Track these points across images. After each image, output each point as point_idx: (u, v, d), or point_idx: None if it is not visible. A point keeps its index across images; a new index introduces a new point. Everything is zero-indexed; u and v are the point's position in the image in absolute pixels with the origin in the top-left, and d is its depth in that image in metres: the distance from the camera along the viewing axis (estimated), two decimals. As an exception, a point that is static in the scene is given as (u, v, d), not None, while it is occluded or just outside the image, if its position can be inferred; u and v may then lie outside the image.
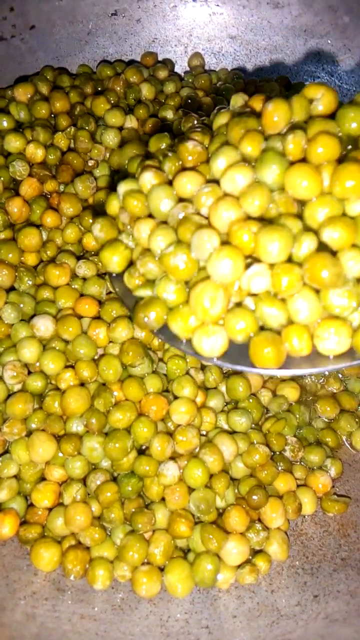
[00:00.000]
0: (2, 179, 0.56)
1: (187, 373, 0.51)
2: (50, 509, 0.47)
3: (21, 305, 0.52)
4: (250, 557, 0.45)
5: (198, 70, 0.74)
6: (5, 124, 0.60)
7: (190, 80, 0.72)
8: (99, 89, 0.67)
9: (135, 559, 0.43)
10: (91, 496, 0.46)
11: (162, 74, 0.71)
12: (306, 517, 0.49)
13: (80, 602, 0.42)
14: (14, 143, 0.58)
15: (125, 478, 0.46)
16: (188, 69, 0.77)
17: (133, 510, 0.45)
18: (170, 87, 0.68)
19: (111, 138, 0.60)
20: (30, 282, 0.53)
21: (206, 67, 0.77)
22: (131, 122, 0.62)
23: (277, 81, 0.75)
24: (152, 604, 0.43)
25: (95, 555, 0.45)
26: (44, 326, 0.49)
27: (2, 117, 0.60)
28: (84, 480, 0.47)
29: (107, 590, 0.44)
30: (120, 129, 0.62)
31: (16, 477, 0.48)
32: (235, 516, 0.44)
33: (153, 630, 0.41)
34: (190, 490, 0.46)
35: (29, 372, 0.50)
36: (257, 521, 0.46)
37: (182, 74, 0.75)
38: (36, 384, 0.49)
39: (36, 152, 0.58)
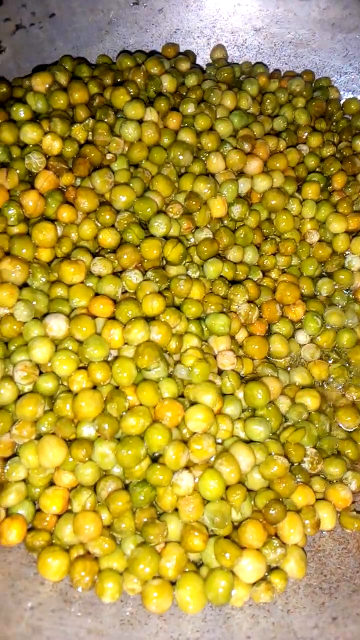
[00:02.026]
0: (17, 171, 0.54)
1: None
2: (58, 515, 0.45)
3: (34, 303, 0.50)
4: (266, 574, 0.43)
5: (220, 63, 0.72)
6: (22, 114, 0.58)
7: (212, 73, 0.70)
8: (119, 80, 0.65)
9: (147, 573, 0.41)
10: (101, 504, 0.45)
11: (184, 66, 0.69)
12: (324, 532, 0.47)
13: (88, 615, 0.41)
14: (30, 134, 0.56)
15: (137, 487, 0.44)
16: (210, 61, 0.74)
17: (145, 520, 0.43)
18: (192, 80, 0.66)
19: (131, 131, 0.58)
20: (43, 279, 0.51)
21: (229, 60, 0.74)
22: (151, 115, 0.60)
23: (302, 76, 0.72)
24: (162, 620, 0.41)
25: (104, 566, 0.43)
26: (56, 326, 0.48)
27: (19, 107, 0.58)
28: (94, 487, 0.45)
29: (116, 603, 0.42)
30: (140, 121, 0.60)
31: (24, 481, 0.47)
32: (251, 531, 0.42)
33: (164, 649, 0.39)
34: (205, 501, 0.44)
35: (40, 373, 0.48)
36: (274, 536, 0.44)
37: (204, 67, 0.73)
38: (47, 385, 0.47)
39: (53, 144, 0.56)
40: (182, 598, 0.42)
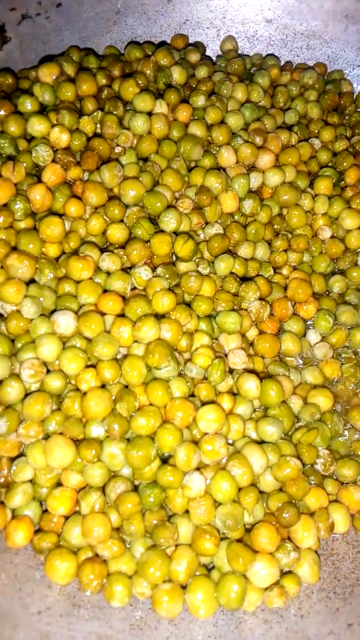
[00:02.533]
0: (24, 164, 0.53)
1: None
2: (66, 517, 0.44)
3: (41, 299, 0.49)
4: (279, 579, 0.42)
5: (231, 55, 0.71)
6: (28, 106, 0.57)
7: (223, 64, 0.68)
8: (127, 71, 0.64)
9: (157, 576, 0.41)
10: (110, 505, 0.44)
11: (194, 57, 0.67)
12: (337, 536, 0.46)
13: (97, 619, 0.40)
14: (37, 126, 0.54)
15: (147, 488, 0.43)
16: (220, 53, 0.73)
17: (155, 522, 0.43)
18: (202, 72, 0.65)
19: (140, 124, 0.57)
20: (51, 275, 0.50)
21: (239, 52, 0.73)
22: (161, 107, 0.59)
23: (315, 68, 0.71)
24: (172, 624, 0.40)
25: (113, 569, 0.42)
26: (64, 323, 0.47)
27: (26, 99, 0.57)
28: (103, 488, 0.44)
29: (125, 607, 0.41)
30: (150, 114, 0.58)
31: (31, 481, 0.46)
32: (265, 535, 0.41)
33: (175, 655, 0.38)
34: (216, 504, 0.43)
35: (48, 371, 0.47)
36: (287, 540, 0.43)
37: (214, 58, 0.72)
38: (55, 383, 0.46)
39: (61, 137, 0.54)
40: (193, 602, 0.41)
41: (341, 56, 0.72)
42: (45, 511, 0.45)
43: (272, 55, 0.72)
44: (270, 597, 0.41)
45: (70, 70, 0.61)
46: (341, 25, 0.71)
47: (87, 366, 0.47)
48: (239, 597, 0.40)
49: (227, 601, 0.40)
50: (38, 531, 0.44)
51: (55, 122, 0.56)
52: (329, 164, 0.64)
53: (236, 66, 0.67)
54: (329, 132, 0.65)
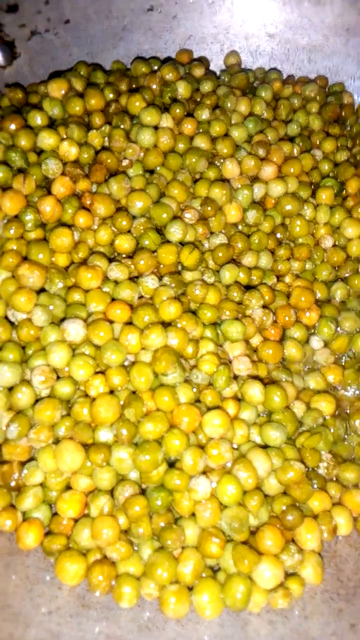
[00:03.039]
0: (34, 176, 0.54)
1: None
2: (75, 520, 0.46)
3: (51, 308, 0.50)
4: (283, 580, 0.43)
5: (234, 69, 0.72)
6: (38, 120, 0.58)
7: (226, 79, 0.70)
8: (134, 86, 0.66)
9: (164, 578, 0.42)
10: (118, 508, 0.45)
11: (198, 72, 0.69)
12: (340, 538, 0.47)
13: (106, 620, 0.41)
14: (47, 140, 0.56)
15: (154, 491, 0.44)
16: (224, 67, 0.75)
17: (162, 525, 0.44)
18: (206, 86, 0.66)
19: (147, 138, 0.58)
20: (60, 284, 0.51)
21: (242, 66, 0.75)
22: (167, 121, 0.60)
23: (316, 81, 0.72)
24: (180, 625, 0.41)
25: (121, 571, 0.43)
26: (74, 331, 0.48)
27: (36, 114, 0.58)
28: (111, 492, 0.45)
29: (134, 608, 0.42)
30: (156, 127, 0.60)
31: (42, 485, 0.47)
32: (269, 537, 0.42)
33: (182, 654, 0.39)
34: (222, 507, 0.44)
35: (58, 377, 0.48)
36: (291, 542, 0.44)
37: (218, 73, 0.73)
38: (65, 389, 0.47)
39: (70, 150, 0.56)
40: (200, 603, 0.42)
41: (342, 69, 0.74)
42: (55, 514, 0.46)
43: (274, 69, 0.74)
44: (275, 598, 0.42)
45: (78, 85, 0.62)
46: (342, 39, 0.73)
47: (96, 373, 0.48)
48: (244, 598, 0.41)
49: (233, 602, 0.41)
50: (48, 533, 0.45)
51: (65, 136, 0.58)
52: (331, 175, 0.65)
53: (239, 80, 0.69)
54: (330, 143, 0.66)
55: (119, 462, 0.45)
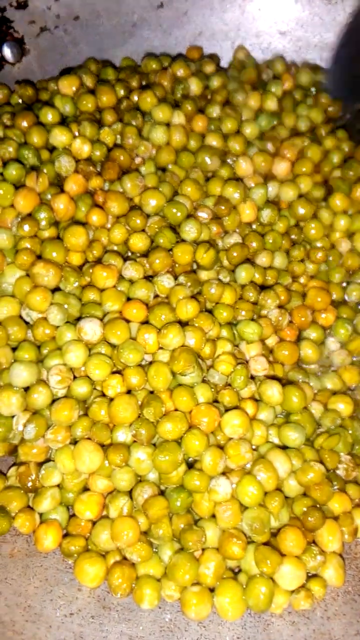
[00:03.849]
0: (47, 174, 0.54)
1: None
2: (93, 521, 0.45)
3: (66, 307, 0.50)
4: (305, 582, 0.43)
5: (242, 63, 0.71)
6: (50, 117, 0.58)
7: (235, 73, 0.69)
8: (144, 82, 0.65)
9: (186, 579, 0.41)
10: (137, 510, 0.44)
11: (209, 68, 0.68)
12: (360, 539, 0.47)
13: (128, 621, 0.41)
14: (60, 137, 0.56)
15: (174, 492, 0.44)
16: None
17: (182, 526, 0.43)
18: (216, 82, 0.66)
19: (159, 135, 0.58)
20: (76, 284, 0.51)
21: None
22: (179, 118, 0.60)
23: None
24: (201, 626, 0.41)
25: (141, 572, 0.43)
26: (91, 330, 0.48)
27: (48, 111, 0.58)
28: (129, 493, 0.45)
29: (155, 610, 0.42)
30: (168, 125, 0.59)
31: (59, 486, 0.46)
32: (291, 538, 0.42)
33: (205, 656, 0.39)
34: (243, 508, 0.44)
35: (74, 377, 0.48)
36: (312, 544, 0.44)
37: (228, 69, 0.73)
38: (81, 389, 0.47)
39: (82, 148, 0.56)
40: (222, 605, 0.41)
41: (353, 67, 0.73)
42: (73, 515, 0.46)
43: (281, 57, 0.73)
44: (297, 599, 0.42)
45: (89, 81, 0.62)
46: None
47: (113, 372, 0.47)
48: (267, 599, 0.41)
49: (256, 603, 0.41)
50: (66, 535, 0.45)
51: (77, 133, 0.57)
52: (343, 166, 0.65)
53: (249, 74, 0.68)
54: (331, 140, 0.66)
55: (138, 463, 0.45)
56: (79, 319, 0.50)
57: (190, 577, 0.41)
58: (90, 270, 0.51)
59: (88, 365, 0.47)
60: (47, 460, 0.47)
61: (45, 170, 0.54)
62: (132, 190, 0.55)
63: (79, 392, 0.47)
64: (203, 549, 0.43)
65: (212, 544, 0.43)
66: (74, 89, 0.60)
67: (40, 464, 0.47)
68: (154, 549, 0.44)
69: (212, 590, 0.42)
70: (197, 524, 0.44)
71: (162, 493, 0.45)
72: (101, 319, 0.49)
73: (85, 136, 0.57)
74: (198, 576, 0.42)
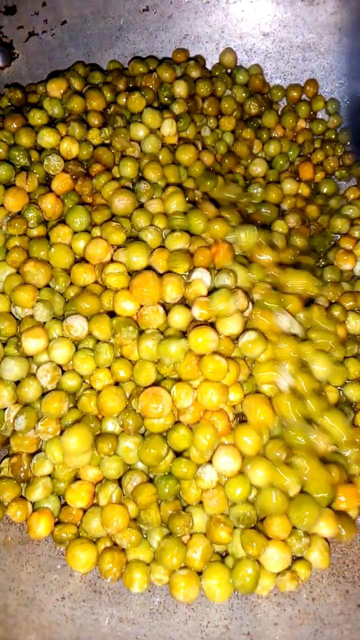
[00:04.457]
0: (37, 175, 0.55)
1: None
2: (84, 509, 0.46)
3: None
4: (291, 564, 0.44)
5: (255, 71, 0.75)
6: (38, 119, 0.59)
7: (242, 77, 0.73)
8: (131, 85, 0.67)
9: (174, 563, 0.42)
10: (126, 497, 0.46)
11: (195, 73, 0.70)
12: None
13: (118, 604, 0.42)
14: (47, 138, 0.57)
15: (162, 480, 0.45)
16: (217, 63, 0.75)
17: (170, 512, 0.44)
18: (202, 89, 0.68)
19: (149, 147, 0.59)
20: (64, 284, 0.52)
21: (238, 64, 0.76)
22: (170, 127, 0.61)
23: (307, 87, 0.74)
24: (190, 608, 0.42)
25: (131, 557, 0.44)
26: (80, 326, 0.49)
27: (36, 113, 0.59)
28: (119, 481, 0.46)
29: (144, 593, 0.43)
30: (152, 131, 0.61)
31: (50, 476, 0.48)
32: (277, 522, 0.43)
33: (193, 636, 0.40)
34: (230, 502, 0.45)
35: (63, 372, 0.49)
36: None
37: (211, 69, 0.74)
38: (71, 382, 0.48)
39: (70, 148, 0.57)
40: (209, 587, 0.43)
41: (336, 67, 0.75)
42: (65, 504, 0.47)
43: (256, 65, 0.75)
44: (283, 581, 0.43)
45: (77, 84, 0.63)
46: (335, 37, 0.74)
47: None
48: (253, 581, 0.42)
49: (242, 585, 0.42)
50: (58, 523, 0.46)
51: (66, 134, 0.58)
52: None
53: (257, 82, 0.72)
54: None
55: (126, 452, 0.46)
56: (67, 316, 0.51)
57: (178, 561, 0.43)
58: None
59: (75, 360, 0.48)
60: (39, 451, 0.48)
61: (35, 171, 0.56)
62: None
63: (68, 385, 0.48)
64: (191, 534, 0.44)
65: (199, 529, 0.45)
66: (61, 91, 0.62)
67: (31, 455, 0.48)
68: (143, 535, 0.45)
69: (200, 573, 0.43)
70: (184, 510, 0.45)
71: (150, 481, 0.46)
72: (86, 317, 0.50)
73: (74, 136, 0.58)
74: (186, 560, 0.43)
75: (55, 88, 0.62)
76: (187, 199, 0.55)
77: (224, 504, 0.44)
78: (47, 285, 0.52)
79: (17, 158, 0.55)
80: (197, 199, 0.58)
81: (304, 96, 0.75)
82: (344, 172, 0.72)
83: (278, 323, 0.49)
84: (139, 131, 0.59)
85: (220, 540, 0.43)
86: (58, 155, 0.56)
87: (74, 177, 0.56)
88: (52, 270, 0.51)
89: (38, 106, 0.61)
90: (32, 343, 0.47)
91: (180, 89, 0.65)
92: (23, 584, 0.42)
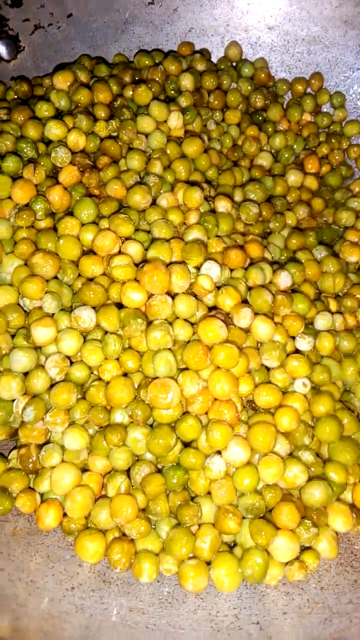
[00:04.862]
0: (44, 167, 0.55)
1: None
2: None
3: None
4: (299, 554, 0.44)
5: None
6: (45, 111, 0.59)
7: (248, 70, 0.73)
8: (137, 78, 0.66)
9: (183, 553, 0.43)
10: (135, 488, 0.46)
11: (200, 66, 0.70)
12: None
13: (127, 594, 0.42)
14: (54, 130, 0.57)
15: (170, 470, 0.45)
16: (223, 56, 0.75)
17: (179, 503, 0.45)
18: (208, 82, 0.68)
19: (155, 143, 0.59)
20: (72, 276, 0.52)
21: (243, 57, 0.76)
22: (177, 120, 0.61)
23: (312, 81, 0.74)
24: (199, 598, 0.42)
25: (140, 547, 0.44)
26: (88, 318, 0.49)
27: (43, 105, 0.59)
28: (127, 472, 0.46)
29: (153, 584, 0.43)
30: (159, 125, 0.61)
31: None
32: (286, 512, 0.43)
33: (203, 625, 0.40)
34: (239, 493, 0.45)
35: (71, 362, 0.49)
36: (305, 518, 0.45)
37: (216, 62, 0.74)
38: (79, 374, 0.48)
39: (78, 141, 0.57)
40: (218, 577, 0.43)
41: (341, 60, 0.75)
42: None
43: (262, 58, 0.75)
44: (291, 570, 0.43)
45: (83, 77, 0.63)
46: (340, 30, 0.74)
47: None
48: (262, 570, 0.42)
49: (251, 574, 0.42)
50: (66, 514, 0.46)
51: (73, 126, 0.58)
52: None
53: (262, 75, 0.72)
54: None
55: (135, 443, 0.46)
56: (76, 307, 0.51)
57: (187, 551, 0.43)
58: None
59: (83, 351, 0.48)
60: (47, 442, 0.48)
61: (42, 163, 0.55)
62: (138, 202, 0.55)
63: (77, 376, 0.48)
64: (199, 525, 0.45)
65: (208, 519, 0.45)
66: (68, 84, 0.62)
67: (40, 446, 0.48)
68: (152, 525, 0.45)
69: (208, 563, 0.44)
70: (193, 501, 0.45)
71: (159, 471, 0.46)
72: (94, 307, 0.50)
73: (81, 129, 0.58)
74: (195, 550, 0.43)
75: (62, 80, 0.61)
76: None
77: (232, 494, 0.45)
78: (55, 277, 0.52)
79: (25, 150, 0.55)
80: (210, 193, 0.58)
81: (309, 89, 0.75)
82: (349, 170, 0.72)
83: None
84: (146, 123, 0.59)
85: (229, 530, 0.43)
86: (65, 147, 0.56)
87: (81, 169, 0.56)
88: (60, 262, 0.51)
89: (45, 99, 0.61)
90: (42, 332, 0.47)
91: (187, 81, 0.65)
92: (32, 574, 0.42)
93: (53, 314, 0.50)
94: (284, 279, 0.52)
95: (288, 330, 0.50)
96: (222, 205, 0.57)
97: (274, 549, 0.43)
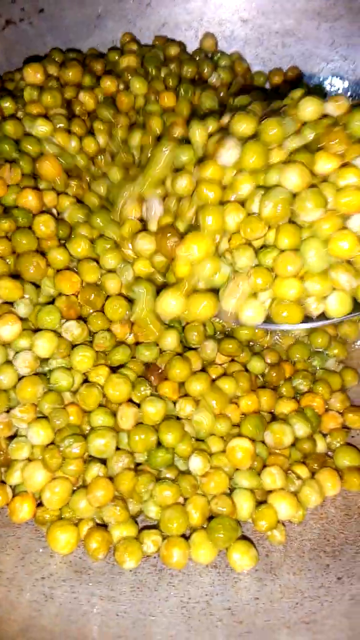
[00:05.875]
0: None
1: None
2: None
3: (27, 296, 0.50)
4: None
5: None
6: (7, 105, 0.58)
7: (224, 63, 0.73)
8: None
9: (175, 527, 0.43)
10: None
11: (173, 51, 0.70)
12: (327, 500, 0.48)
13: (99, 583, 0.42)
14: (41, 127, 0.56)
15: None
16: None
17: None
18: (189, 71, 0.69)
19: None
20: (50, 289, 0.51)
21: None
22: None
23: (288, 73, 0.74)
24: (170, 585, 0.42)
25: (116, 535, 0.44)
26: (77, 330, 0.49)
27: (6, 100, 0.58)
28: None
29: (125, 572, 0.43)
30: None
31: (29, 459, 0.47)
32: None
33: (175, 612, 0.40)
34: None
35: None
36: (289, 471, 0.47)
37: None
38: (62, 383, 0.47)
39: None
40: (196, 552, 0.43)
41: (314, 52, 0.75)
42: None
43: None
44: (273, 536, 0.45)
45: (53, 70, 0.63)
46: (314, 23, 0.74)
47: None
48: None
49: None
50: (39, 505, 0.46)
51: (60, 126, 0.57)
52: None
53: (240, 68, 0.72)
54: None
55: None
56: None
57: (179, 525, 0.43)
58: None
59: (73, 357, 0.48)
60: (15, 435, 0.48)
61: (22, 164, 0.54)
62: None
63: (61, 385, 0.47)
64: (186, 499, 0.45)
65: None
66: (38, 76, 0.61)
67: (10, 439, 0.47)
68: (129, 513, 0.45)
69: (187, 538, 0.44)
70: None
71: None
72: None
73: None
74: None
75: (31, 73, 0.61)
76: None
77: (225, 483, 0.46)
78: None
79: (6, 150, 0.54)
80: None
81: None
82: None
83: None
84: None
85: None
86: (44, 120, 0.55)
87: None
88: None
89: (13, 94, 0.61)
90: (7, 330, 0.47)
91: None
92: (2, 565, 0.41)
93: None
94: None
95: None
96: None
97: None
